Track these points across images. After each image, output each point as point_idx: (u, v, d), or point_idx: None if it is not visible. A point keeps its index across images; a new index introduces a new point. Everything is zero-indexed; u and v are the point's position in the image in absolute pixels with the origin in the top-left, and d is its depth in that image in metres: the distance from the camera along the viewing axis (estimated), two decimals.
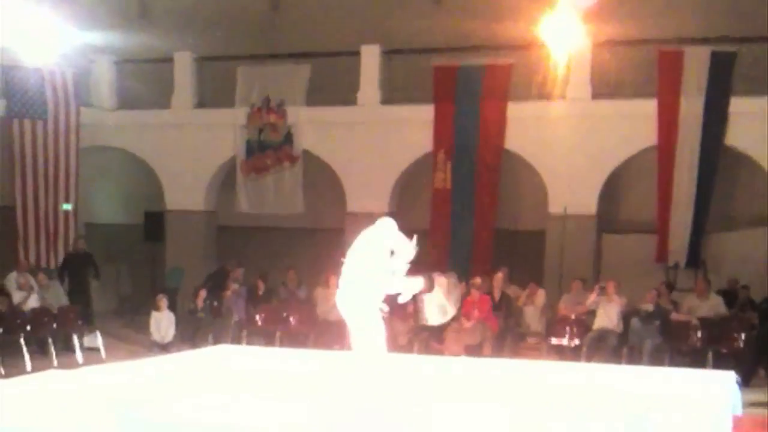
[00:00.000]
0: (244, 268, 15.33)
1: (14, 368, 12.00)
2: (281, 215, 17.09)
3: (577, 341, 13.25)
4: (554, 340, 13.53)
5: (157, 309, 14.34)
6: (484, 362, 10.64)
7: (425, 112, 16.02)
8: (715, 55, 14.71)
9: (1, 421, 5.97)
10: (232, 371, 8.52)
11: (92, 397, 7.01)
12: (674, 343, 12.92)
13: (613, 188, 16.09)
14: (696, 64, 14.81)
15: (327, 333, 13.26)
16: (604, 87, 15.39)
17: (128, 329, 16.05)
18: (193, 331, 14.16)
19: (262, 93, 16.97)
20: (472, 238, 15.91)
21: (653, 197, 15.23)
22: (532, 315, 14.10)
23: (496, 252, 15.79)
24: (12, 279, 14.44)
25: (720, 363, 11.98)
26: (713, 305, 13.32)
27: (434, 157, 16.11)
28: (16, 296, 14.04)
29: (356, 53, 16.57)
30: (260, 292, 15.01)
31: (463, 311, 13.29)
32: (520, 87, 15.58)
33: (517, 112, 15.59)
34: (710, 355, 12.52)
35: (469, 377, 8.48)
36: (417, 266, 7.70)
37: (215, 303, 14.69)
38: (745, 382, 9.99)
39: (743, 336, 12.79)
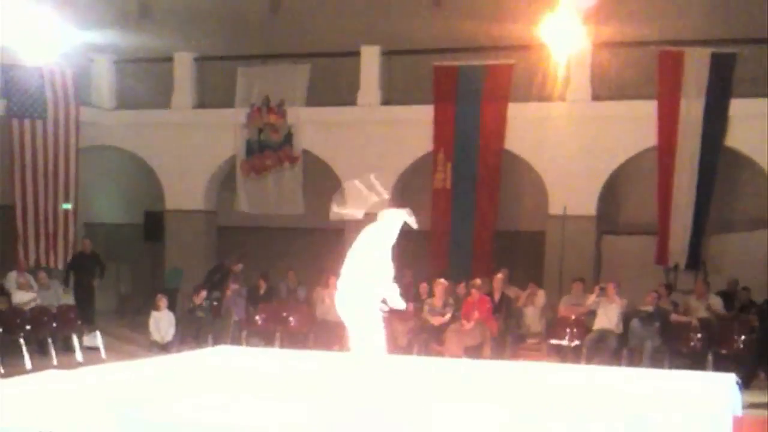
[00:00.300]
0: (243, 264, 15.33)
1: (14, 368, 11.98)
2: (281, 215, 17.09)
3: (577, 342, 13.24)
4: (554, 341, 13.52)
5: (157, 309, 14.32)
6: (484, 363, 10.64)
7: (425, 113, 16.02)
8: (715, 57, 14.71)
9: (1, 420, 5.96)
10: (232, 371, 8.51)
11: (92, 396, 7.01)
12: (674, 344, 12.92)
13: (613, 189, 16.10)
14: (696, 65, 14.80)
15: (326, 333, 13.25)
16: (605, 88, 15.41)
17: (128, 329, 16.03)
18: (197, 330, 14.13)
19: (262, 93, 16.97)
20: (473, 239, 15.91)
21: (653, 198, 15.23)
22: (532, 316, 14.10)
23: (496, 253, 15.79)
24: (12, 279, 14.44)
25: (720, 364, 12.00)
26: (712, 306, 13.33)
27: (434, 158, 16.11)
28: (17, 296, 14.03)
29: (356, 54, 16.58)
30: (262, 292, 15.00)
31: (463, 312, 13.31)
32: (520, 88, 15.58)
33: (517, 113, 15.59)
34: (710, 356, 12.52)
35: (469, 378, 8.46)
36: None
37: (215, 303, 14.68)
38: (745, 383, 9.98)
39: (743, 338, 12.78)
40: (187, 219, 17.46)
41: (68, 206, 16.61)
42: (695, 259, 15.07)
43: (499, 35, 15.66)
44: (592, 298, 13.38)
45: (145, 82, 17.73)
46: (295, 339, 14.02)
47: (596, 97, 15.43)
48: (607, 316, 13.09)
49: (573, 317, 13.58)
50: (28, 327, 13.29)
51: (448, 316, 13.41)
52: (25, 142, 16.12)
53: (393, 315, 13.20)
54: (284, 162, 16.91)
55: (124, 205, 19.44)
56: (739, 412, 7.50)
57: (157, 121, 17.57)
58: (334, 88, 16.72)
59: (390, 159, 16.32)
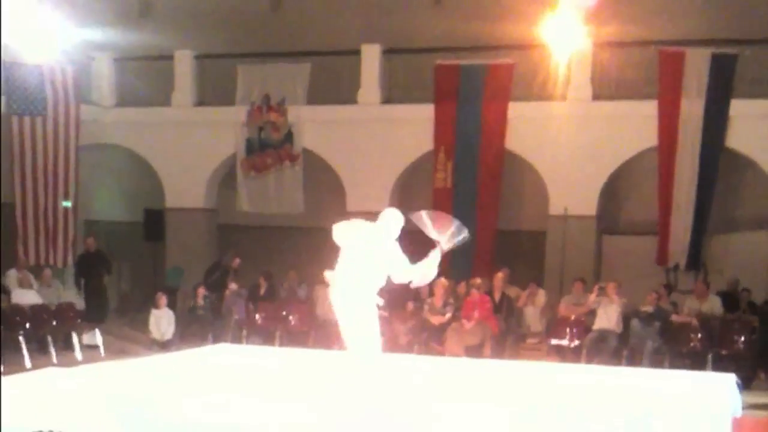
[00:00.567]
0: (240, 259, 15.35)
1: (13, 365, 11.97)
2: (281, 214, 17.08)
3: (577, 342, 13.23)
4: (554, 341, 13.51)
5: (157, 307, 14.32)
6: (484, 363, 10.63)
7: (426, 112, 16.00)
8: (716, 57, 14.70)
9: (1, 418, 5.95)
10: (232, 370, 8.51)
11: (91, 394, 7.01)
12: (674, 344, 12.92)
13: (613, 189, 16.10)
14: (697, 65, 14.80)
15: (327, 332, 13.24)
16: (605, 88, 15.40)
17: (128, 327, 16.02)
18: (200, 329, 14.13)
19: (263, 91, 16.96)
20: (474, 239, 15.85)
21: (654, 198, 15.23)
22: (533, 315, 14.10)
23: (497, 252, 15.78)
24: (12, 276, 14.43)
25: (720, 365, 11.99)
26: (712, 307, 13.33)
27: (435, 157, 16.10)
28: (17, 294, 14.02)
29: (357, 52, 16.56)
30: (262, 291, 15.00)
31: (464, 312, 13.30)
32: (520, 87, 15.58)
33: (518, 112, 15.58)
34: (710, 357, 12.52)
35: (469, 378, 8.46)
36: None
37: (215, 301, 14.67)
38: (745, 384, 9.96)
39: (743, 338, 12.79)
40: (187, 217, 17.45)
41: (68, 204, 16.59)
42: (696, 260, 15.07)
43: (501, 34, 15.65)
44: (592, 298, 13.39)
45: (145, 80, 17.70)
46: (296, 338, 14.02)
47: (597, 97, 15.42)
48: (608, 316, 13.09)
49: (573, 317, 13.58)
50: (27, 325, 13.29)
51: (448, 315, 13.41)
52: (25, 139, 16.10)
53: (393, 315, 13.29)
54: (285, 160, 16.90)
55: (125, 202, 19.43)
56: (739, 412, 7.49)
57: (157, 119, 17.56)
58: (335, 87, 16.71)
59: (391, 158, 16.34)
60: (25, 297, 14.05)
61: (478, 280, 13.69)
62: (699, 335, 12.90)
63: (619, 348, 12.90)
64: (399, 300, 13.46)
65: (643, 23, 15.36)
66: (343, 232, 7.20)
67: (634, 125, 15.17)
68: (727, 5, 15.78)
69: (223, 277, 15.16)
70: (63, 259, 16.59)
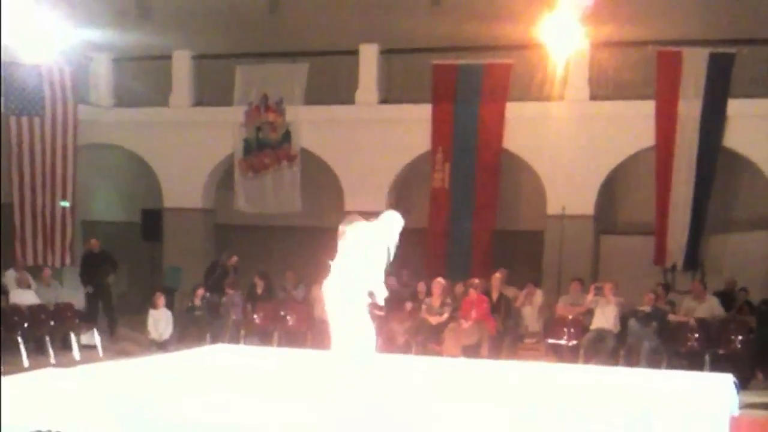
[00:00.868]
0: (237, 257, 15.36)
1: (12, 366, 11.96)
2: (279, 214, 17.08)
3: (574, 342, 13.24)
4: (552, 341, 13.52)
5: (155, 307, 14.30)
6: (482, 363, 10.64)
7: (423, 112, 16.01)
8: (713, 57, 14.72)
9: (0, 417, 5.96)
10: (230, 370, 8.51)
11: (89, 395, 7.01)
12: (672, 344, 12.92)
13: (611, 189, 16.11)
14: (694, 65, 14.82)
15: (325, 332, 13.18)
16: (603, 88, 15.42)
17: (126, 327, 16.01)
18: (199, 329, 14.12)
19: (261, 91, 16.97)
20: (471, 239, 15.91)
21: (651, 198, 15.24)
22: (530, 315, 14.10)
23: (495, 252, 15.78)
24: (10, 276, 14.42)
25: (717, 365, 11.99)
26: (710, 307, 13.34)
27: (432, 157, 16.11)
28: (15, 294, 14.02)
29: (355, 52, 16.58)
30: (259, 291, 14.99)
31: (462, 312, 13.30)
32: (518, 87, 15.59)
33: (515, 112, 15.59)
34: (708, 356, 12.52)
35: (467, 378, 8.47)
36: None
37: (215, 301, 14.67)
38: (743, 384, 9.98)
39: (741, 338, 12.79)
40: (185, 217, 17.46)
41: (66, 204, 16.60)
42: (693, 260, 15.08)
43: (498, 34, 15.66)
44: (589, 298, 13.41)
45: (143, 80, 17.70)
46: (293, 338, 14.00)
47: (595, 97, 15.44)
48: (605, 316, 13.10)
49: (571, 317, 13.58)
50: (25, 325, 13.28)
51: (446, 315, 13.41)
52: (23, 139, 16.12)
53: (391, 315, 13.29)
54: (282, 160, 16.90)
55: (122, 203, 19.42)
56: (737, 412, 7.51)
57: (155, 120, 17.56)
58: (333, 87, 16.71)
59: (388, 158, 16.34)
60: (24, 297, 14.03)
61: (476, 280, 13.69)
62: (696, 335, 12.91)
63: (617, 348, 12.91)
64: (397, 300, 13.45)
65: (641, 23, 15.37)
66: (348, 230, 7.23)
67: (632, 125, 15.19)
68: (724, 5, 15.81)
69: (221, 276, 15.16)
70: (61, 260, 16.60)
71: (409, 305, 13.84)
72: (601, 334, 13.04)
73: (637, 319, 13.01)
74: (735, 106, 14.64)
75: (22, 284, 14.27)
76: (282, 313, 14.57)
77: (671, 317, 13.26)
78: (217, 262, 15.74)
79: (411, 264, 14.22)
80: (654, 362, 12.36)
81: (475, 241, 15.92)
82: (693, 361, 12.46)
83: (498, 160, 15.86)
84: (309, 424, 6.21)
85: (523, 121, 15.57)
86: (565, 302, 13.90)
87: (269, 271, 15.45)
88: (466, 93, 15.85)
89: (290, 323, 14.45)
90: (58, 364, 11.38)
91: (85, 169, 17.25)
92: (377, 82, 16.59)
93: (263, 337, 14.26)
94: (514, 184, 16.55)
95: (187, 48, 17.60)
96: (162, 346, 13.79)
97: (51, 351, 13.19)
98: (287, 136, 16.88)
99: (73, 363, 11.70)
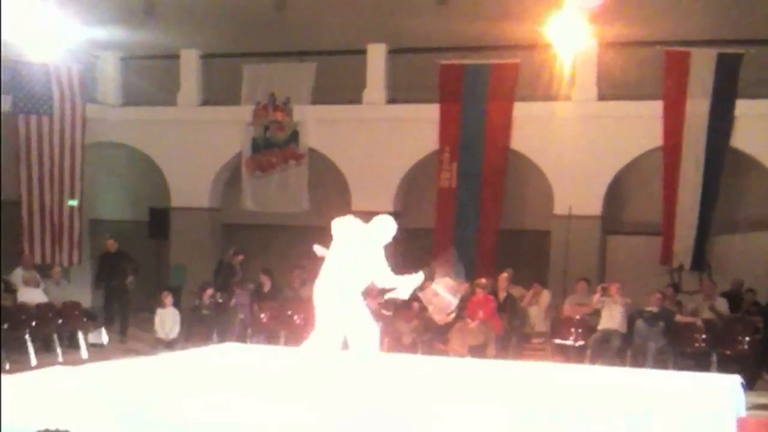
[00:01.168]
0: (243, 255, 15.39)
1: (19, 364, 12.01)
2: (286, 213, 17.09)
3: (581, 342, 13.24)
4: (558, 341, 13.52)
5: (162, 306, 14.35)
6: (488, 363, 10.64)
7: (431, 111, 16.01)
8: (721, 57, 14.69)
9: (6, 416, 5.97)
10: (236, 369, 8.52)
11: (97, 393, 7.02)
12: (679, 345, 12.92)
13: (618, 189, 16.08)
14: (702, 65, 14.79)
15: None
16: (610, 88, 15.39)
17: (133, 326, 16.04)
18: (207, 328, 14.15)
19: (268, 91, 17.00)
20: (477, 238, 15.91)
21: (658, 199, 15.22)
22: (537, 315, 14.09)
23: (501, 252, 15.78)
24: (18, 275, 14.46)
25: (724, 366, 11.97)
26: (718, 307, 13.32)
27: (439, 157, 16.11)
28: (23, 293, 14.06)
29: (362, 52, 16.58)
30: (266, 289, 15.00)
31: (468, 311, 13.30)
32: (525, 87, 15.58)
33: (522, 112, 15.58)
34: (714, 357, 12.52)
35: (472, 377, 8.46)
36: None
37: (220, 300, 14.69)
38: (750, 385, 9.97)
39: (747, 339, 12.78)
40: (192, 216, 17.47)
41: (74, 203, 16.64)
42: (700, 260, 15.05)
43: (505, 34, 15.64)
44: (595, 298, 13.39)
45: (150, 79, 17.74)
46: (300, 337, 13.97)
47: (602, 97, 15.42)
48: (612, 316, 13.09)
49: (577, 317, 13.59)
50: (33, 323, 13.33)
51: (452, 315, 13.40)
52: (31, 138, 16.16)
53: (397, 314, 13.30)
54: (289, 160, 16.92)
55: (129, 201, 19.45)
56: (743, 413, 7.50)
57: (162, 118, 17.60)
58: (340, 86, 16.72)
59: (395, 157, 16.35)
60: (31, 296, 14.08)
61: (483, 280, 13.69)
62: (703, 335, 12.90)
63: (624, 348, 12.90)
64: (403, 300, 13.44)
65: (649, 23, 15.34)
66: (342, 227, 7.27)
67: (639, 125, 15.16)
68: (732, 5, 15.77)
69: (229, 274, 15.18)
70: (68, 258, 16.64)
71: (416, 305, 13.83)
72: (608, 334, 13.03)
73: (643, 319, 13.00)
74: (743, 107, 14.61)
75: (30, 283, 14.31)
76: (289, 312, 14.57)
77: (678, 318, 13.24)
78: (222, 262, 15.76)
79: (418, 264, 14.19)
80: (661, 363, 12.36)
81: (480, 240, 15.91)
82: (700, 362, 12.46)
83: (505, 159, 15.85)
84: (314, 423, 6.21)
85: (530, 121, 15.56)
86: (571, 302, 13.90)
87: (276, 271, 15.46)
88: (473, 93, 15.85)
89: (297, 322, 14.45)
90: (65, 363, 11.40)
91: (92, 167, 17.29)
92: (384, 82, 16.59)
93: (270, 336, 14.27)
94: (521, 183, 16.53)
95: (195, 47, 17.63)
96: (169, 345, 13.83)
97: (58, 349, 13.23)
98: (294, 135, 16.90)
99: (80, 361, 11.75)
